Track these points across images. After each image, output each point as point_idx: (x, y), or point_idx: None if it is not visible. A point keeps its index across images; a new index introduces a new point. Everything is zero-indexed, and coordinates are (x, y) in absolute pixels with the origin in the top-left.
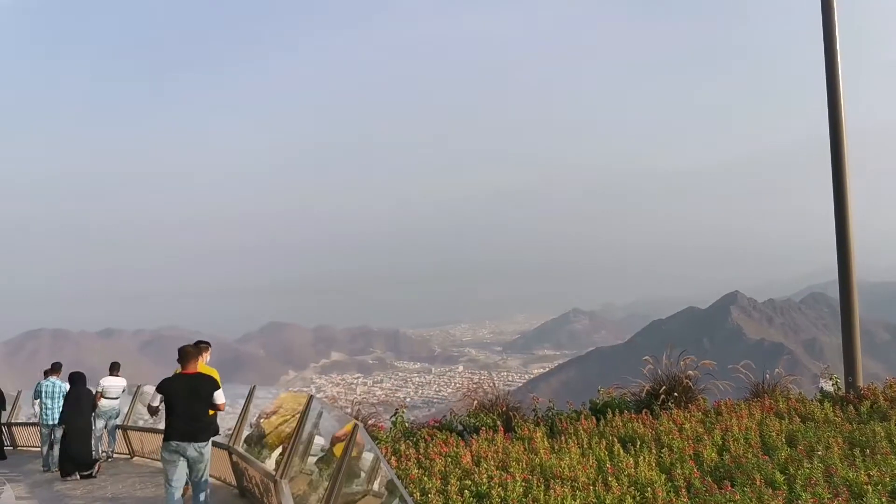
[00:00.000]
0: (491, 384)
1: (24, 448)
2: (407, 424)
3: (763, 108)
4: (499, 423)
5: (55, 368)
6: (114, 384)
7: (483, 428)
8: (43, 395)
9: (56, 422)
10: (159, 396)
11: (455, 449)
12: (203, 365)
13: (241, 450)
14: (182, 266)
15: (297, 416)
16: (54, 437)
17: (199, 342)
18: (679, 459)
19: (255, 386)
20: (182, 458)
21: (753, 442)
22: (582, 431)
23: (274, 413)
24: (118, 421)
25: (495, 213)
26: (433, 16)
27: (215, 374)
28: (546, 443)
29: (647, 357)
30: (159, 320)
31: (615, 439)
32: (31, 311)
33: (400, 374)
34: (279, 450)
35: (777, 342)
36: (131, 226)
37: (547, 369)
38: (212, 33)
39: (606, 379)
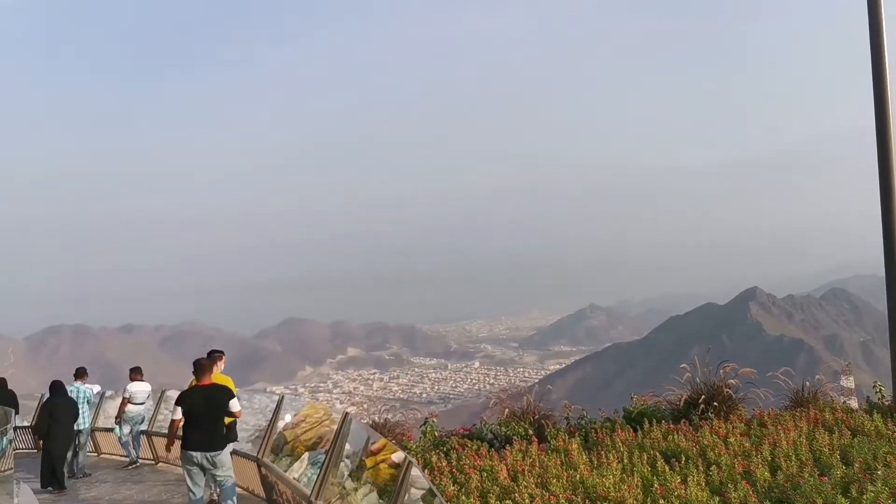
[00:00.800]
0: (526, 395)
1: None
2: (436, 433)
3: (784, 105)
4: (531, 432)
5: (80, 374)
6: (140, 389)
7: (515, 437)
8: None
9: (80, 427)
10: (180, 409)
11: (489, 462)
12: (217, 374)
13: (270, 462)
14: (201, 262)
15: (318, 425)
16: (79, 442)
17: (212, 352)
18: (729, 478)
19: (283, 396)
20: (199, 467)
21: (805, 458)
22: (620, 444)
23: (298, 423)
24: (143, 426)
25: (512, 209)
26: (434, 15)
27: (230, 383)
28: (584, 456)
29: (684, 365)
30: (179, 316)
31: (657, 454)
32: (52, 306)
33: (416, 369)
34: (303, 459)
35: (797, 338)
36: (150, 222)
37: (563, 365)
38: (212, 32)
39: (623, 375)
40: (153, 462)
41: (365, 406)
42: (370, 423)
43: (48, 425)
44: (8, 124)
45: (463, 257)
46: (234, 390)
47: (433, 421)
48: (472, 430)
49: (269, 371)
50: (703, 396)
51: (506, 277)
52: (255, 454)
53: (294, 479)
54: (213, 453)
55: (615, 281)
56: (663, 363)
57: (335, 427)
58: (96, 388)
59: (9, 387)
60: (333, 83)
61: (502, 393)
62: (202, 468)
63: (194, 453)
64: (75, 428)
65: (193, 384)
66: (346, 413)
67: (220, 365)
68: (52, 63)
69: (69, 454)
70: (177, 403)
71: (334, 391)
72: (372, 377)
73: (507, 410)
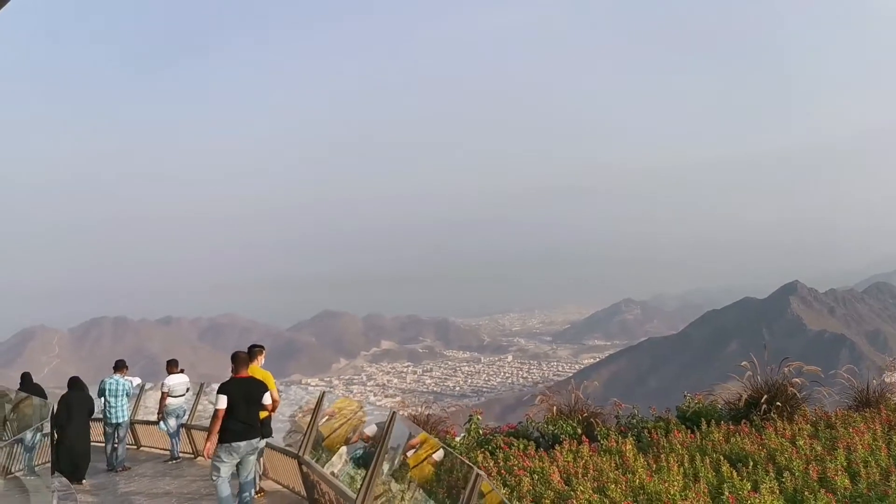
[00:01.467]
0: (574, 392)
1: (94, 444)
2: (480, 430)
3: (823, 99)
4: (580, 431)
5: (119, 366)
6: (178, 382)
7: (563, 437)
8: (107, 392)
9: (119, 420)
10: (224, 398)
11: (539, 463)
12: (257, 368)
13: (312, 461)
14: (237, 256)
15: (352, 418)
16: (118, 435)
17: (253, 346)
18: (805, 486)
19: (323, 393)
20: (236, 458)
21: (886, 464)
22: (679, 446)
23: (331, 416)
24: (184, 419)
25: (546, 205)
26: (476, 12)
27: (270, 378)
28: (641, 459)
29: (744, 362)
30: (216, 309)
31: (721, 457)
32: (94, 299)
33: (449, 362)
34: (341, 453)
35: (838, 333)
36: (188, 216)
37: (597, 360)
38: (239, 27)
39: (658, 370)
40: (192, 456)
41: (399, 399)
42: (411, 417)
43: (66, 419)
44: (47, 121)
45: (497, 252)
46: (274, 386)
47: (478, 418)
48: (518, 428)
49: (305, 363)
50: (765, 396)
51: (540, 272)
52: (296, 451)
53: (333, 473)
54: (255, 440)
55: (651, 275)
56: (700, 358)
57: (369, 422)
58: (136, 381)
59: (34, 380)
60: (372, 77)
61: (548, 389)
62: (240, 457)
63: (240, 444)
64: (115, 421)
65: (233, 377)
66: (394, 412)
67: (261, 359)
68: (80, 53)
69: (108, 447)
70: (220, 392)
71: (368, 383)
72: (405, 370)
73: (554, 408)
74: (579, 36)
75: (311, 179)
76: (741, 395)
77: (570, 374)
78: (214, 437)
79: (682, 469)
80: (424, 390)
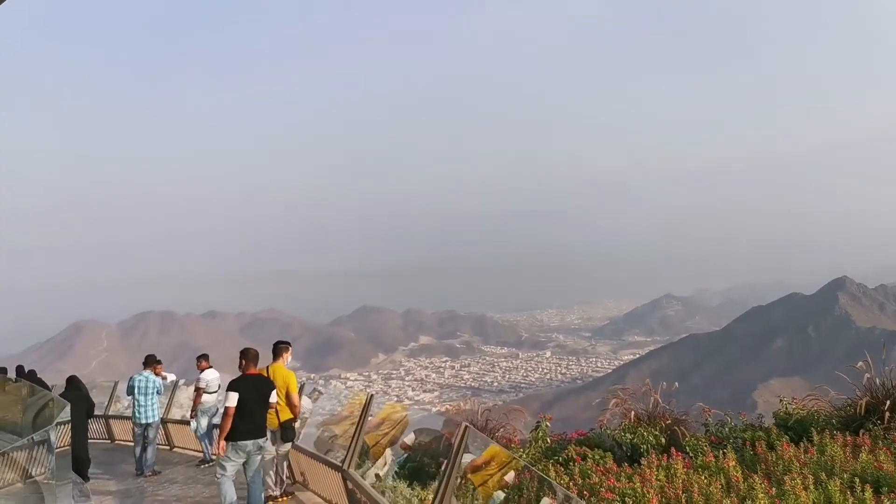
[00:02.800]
0: (654, 395)
1: (123, 442)
2: (548, 438)
3: (869, 92)
4: (663, 440)
5: (149, 362)
6: (213, 377)
7: (645, 447)
8: (136, 390)
9: (148, 420)
10: (235, 396)
11: (628, 483)
12: (281, 367)
13: (359, 477)
14: (279, 252)
15: (399, 425)
16: (148, 437)
17: (278, 343)
18: None
19: (371, 395)
20: (243, 457)
21: None
22: (794, 462)
23: (378, 425)
24: (217, 419)
25: (587, 199)
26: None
27: (292, 379)
28: (757, 480)
29: (860, 363)
30: (259, 304)
31: (856, 479)
32: (142, 294)
33: (487, 358)
34: (386, 456)
35: (890, 330)
36: (230, 213)
37: (637, 356)
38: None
39: (701, 367)
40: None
41: (437, 393)
42: (468, 420)
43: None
44: (106, 114)
45: (536, 247)
46: (295, 388)
47: (546, 425)
48: (590, 436)
49: (344, 358)
50: (888, 402)
51: (578, 267)
52: (340, 463)
53: (378, 476)
54: (262, 440)
55: (693, 271)
56: (744, 355)
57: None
58: (171, 377)
59: (38, 376)
60: (410, 70)
61: (622, 391)
62: (248, 456)
63: (247, 442)
64: (144, 421)
65: (244, 374)
66: (466, 426)
67: (286, 357)
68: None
69: (137, 449)
70: (230, 389)
71: (406, 378)
72: (443, 365)
73: (632, 413)
74: (619, 37)
75: (352, 176)
76: (859, 402)
77: (610, 370)
78: (224, 436)
79: (810, 495)
80: (462, 385)
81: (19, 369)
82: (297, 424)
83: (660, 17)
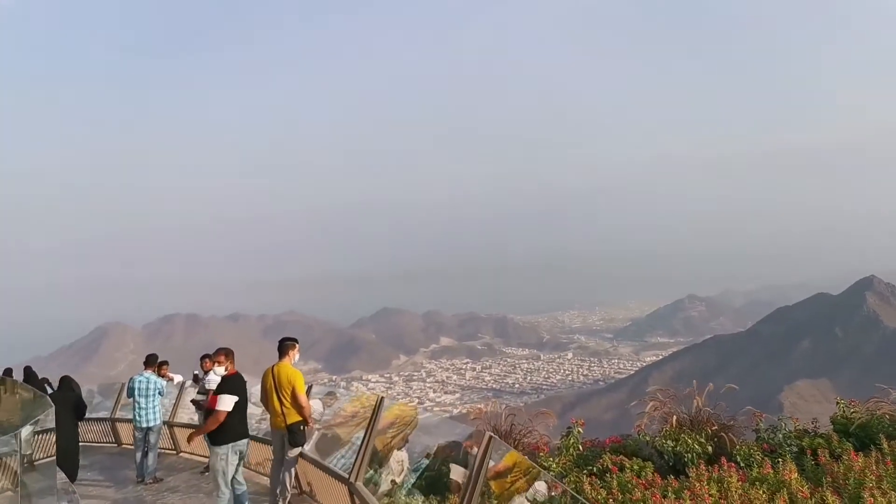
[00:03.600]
0: (696, 397)
1: (129, 446)
2: (580, 446)
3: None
4: (710, 448)
5: (150, 362)
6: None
7: (690, 456)
8: (136, 392)
9: (149, 424)
10: (233, 400)
11: (676, 501)
12: (288, 365)
13: (365, 491)
14: (299, 254)
15: (408, 427)
16: (149, 441)
17: (285, 340)
18: None
19: (381, 398)
20: (237, 459)
21: None
22: (869, 476)
23: (388, 427)
24: None
25: (606, 200)
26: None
27: (299, 378)
28: (825, 494)
29: None
30: (280, 306)
31: None
32: (168, 297)
33: (508, 359)
34: (401, 461)
35: None
36: (254, 216)
37: (660, 357)
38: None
39: (726, 369)
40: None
41: (458, 395)
42: (491, 426)
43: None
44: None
45: (556, 248)
46: (303, 388)
47: (578, 431)
48: (626, 443)
49: (365, 360)
50: None
51: (599, 268)
52: (347, 474)
53: (394, 482)
54: (241, 443)
55: (716, 271)
56: (770, 356)
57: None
58: (177, 378)
59: (40, 376)
60: (431, 72)
61: (661, 392)
62: (229, 460)
63: (243, 442)
64: (144, 424)
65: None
66: (491, 436)
67: (294, 355)
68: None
69: (138, 455)
70: (227, 391)
71: (428, 380)
72: (464, 367)
73: (674, 417)
74: (642, 30)
75: (370, 176)
76: None
77: (632, 372)
78: (194, 438)
79: None
80: (483, 387)
81: (27, 371)
82: (306, 428)
83: (693, 13)
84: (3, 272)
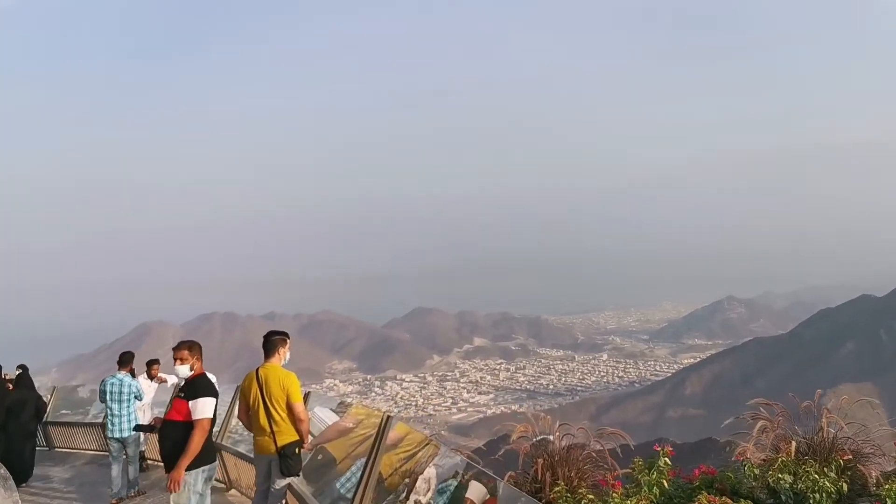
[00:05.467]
0: (825, 416)
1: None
2: (665, 479)
3: None
4: (844, 485)
5: (123, 361)
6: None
7: (817, 496)
8: (107, 396)
9: (123, 434)
10: (214, 402)
11: None
12: (276, 367)
13: None
14: (337, 253)
15: (419, 449)
16: (127, 454)
17: (272, 334)
18: None
19: (388, 418)
20: (204, 488)
21: None
22: None
23: (392, 447)
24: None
25: (643, 200)
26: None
27: (293, 383)
28: None
29: None
30: (315, 305)
31: None
32: (205, 295)
33: (542, 360)
34: (428, 478)
35: None
36: (287, 215)
37: (698, 360)
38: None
39: (766, 372)
40: (223, 486)
41: (492, 396)
42: (543, 448)
43: (4, 420)
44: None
45: (590, 248)
46: (299, 395)
47: (665, 461)
48: (721, 475)
49: (399, 359)
50: None
51: (635, 268)
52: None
53: (420, 502)
54: (216, 463)
55: (756, 272)
56: (812, 359)
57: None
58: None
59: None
60: (464, 71)
61: (763, 405)
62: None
63: (212, 465)
64: (118, 435)
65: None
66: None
67: (284, 353)
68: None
69: (114, 468)
70: (209, 394)
71: (461, 380)
72: (498, 367)
73: (792, 444)
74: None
75: (406, 175)
76: None
77: (669, 374)
78: (189, 461)
79: None
80: (517, 388)
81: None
82: (301, 450)
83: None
84: (47, 271)
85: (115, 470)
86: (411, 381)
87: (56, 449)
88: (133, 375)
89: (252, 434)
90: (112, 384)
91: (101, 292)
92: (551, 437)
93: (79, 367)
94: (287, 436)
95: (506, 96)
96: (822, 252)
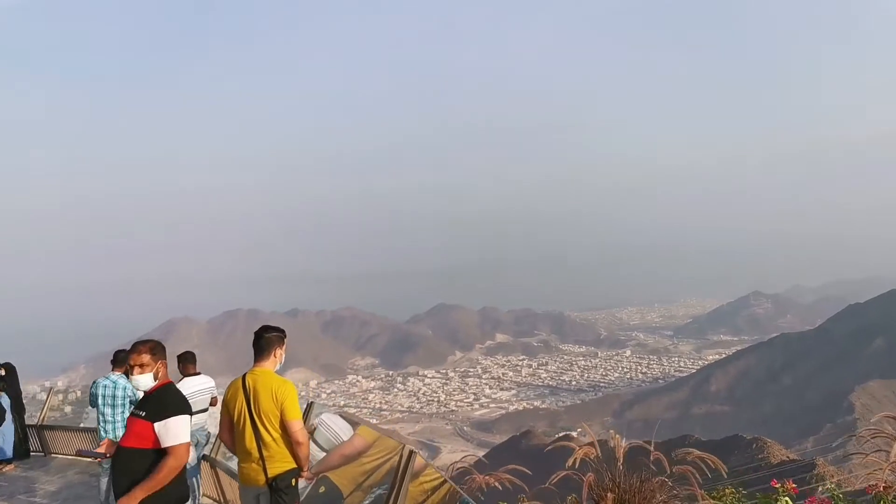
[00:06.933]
0: None
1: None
2: None
3: None
4: None
5: (118, 360)
6: (199, 388)
7: None
8: (100, 400)
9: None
10: (188, 423)
11: None
12: (269, 373)
13: None
14: (359, 249)
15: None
16: (102, 468)
17: (265, 330)
18: None
19: (413, 452)
20: None
21: None
22: None
23: (359, 455)
24: (207, 448)
25: (666, 193)
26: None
27: (290, 392)
28: None
29: None
30: (337, 301)
31: None
32: (230, 292)
33: (565, 356)
34: None
35: None
36: (312, 213)
37: (723, 356)
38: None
39: (794, 368)
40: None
41: (514, 392)
42: (608, 479)
43: None
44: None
45: (612, 243)
46: (297, 411)
47: (833, 489)
48: None
49: (421, 355)
50: None
51: (658, 264)
52: None
53: None
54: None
55: (783, 267)
56: (841, 356)
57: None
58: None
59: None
60: (486, 66)
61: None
62: None
63: None
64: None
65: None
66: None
67: (281, 355)
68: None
69: (103, 480)
70: (173, 411)
71: (483, 376)
72: (520, 363)
73: None
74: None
75: (424, 169)
76: None
77: (694, 370)
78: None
79: None
80: (540, 384)
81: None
82: (299, 480)
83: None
84: (76, 268)
85: (105, 482)
86: (433, 377)
87: (52, 455)
88: (128, 376)
89: (237, 459)
90: (105, 386)
91: (129, 290)
92: (611, 445)
93: (107, 364)
94: (280, 462)
95: (525, 92)
96: (850, 247)
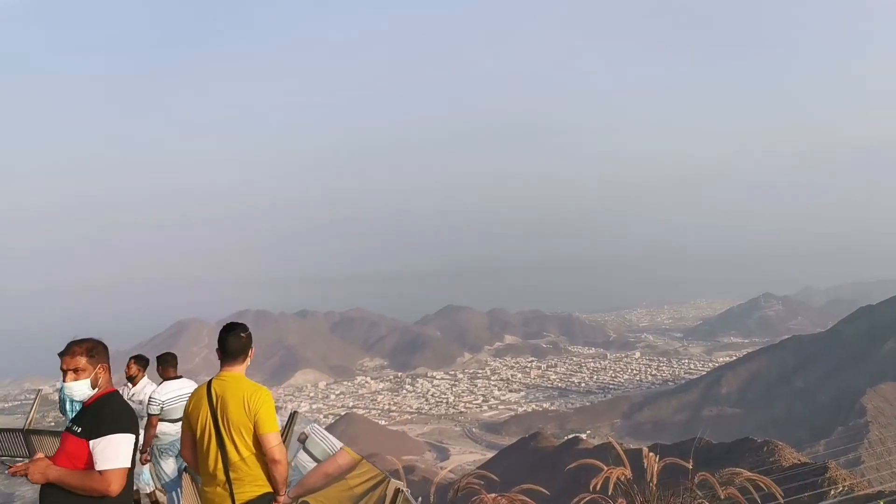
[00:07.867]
0: None
1: None
2: None
3: None
4: None
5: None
6: (178, 393)
7: None
8: (68, 406)
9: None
10: (132, 443)
11: None
12: (240, 377)
13: None
14: (366, 250)
15: None
16: None
17: (231, 328)
18: None
19: (399, 490)
20: None
21: None
22: None
23: (338, 478)
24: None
25: (671, 195)
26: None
27: (266, 401)
28: None
29: None
30: (347, 303)
31: None
32: (239, 293)
33: (574, 358)
34: None
35: None
36: (320, 215)
37: (734, 358)
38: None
39: (805, 370)
40: None
41: (523, 393)
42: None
43: None
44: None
45: (622, 245)
46: (271, 414)
47: None
48: None
49: (430, 356)
50: None
51: (668, 266)
52: None
53: None
54: None
55: (794, 269)
56: (852, 358)
57: None
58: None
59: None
60: (490, 66)
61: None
62: None
63: None
64: None
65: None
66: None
67: (251, 356)
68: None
69: None
70: (119, 427)
71: (492, 378)
72: (529, 365)
73: None
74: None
75: (435, 171)
76: None
77: (704, 372)
78: None
79: None
80: (548, 386)
81: None
82: None
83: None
84: (83, 271)
85: None
86: (442, 379)
87: None
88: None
89: (199, 481)
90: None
91: (137, 291)
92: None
93: (119, 365)
94: (251, 486)
95: (528, 91)
96: (862, 249)
